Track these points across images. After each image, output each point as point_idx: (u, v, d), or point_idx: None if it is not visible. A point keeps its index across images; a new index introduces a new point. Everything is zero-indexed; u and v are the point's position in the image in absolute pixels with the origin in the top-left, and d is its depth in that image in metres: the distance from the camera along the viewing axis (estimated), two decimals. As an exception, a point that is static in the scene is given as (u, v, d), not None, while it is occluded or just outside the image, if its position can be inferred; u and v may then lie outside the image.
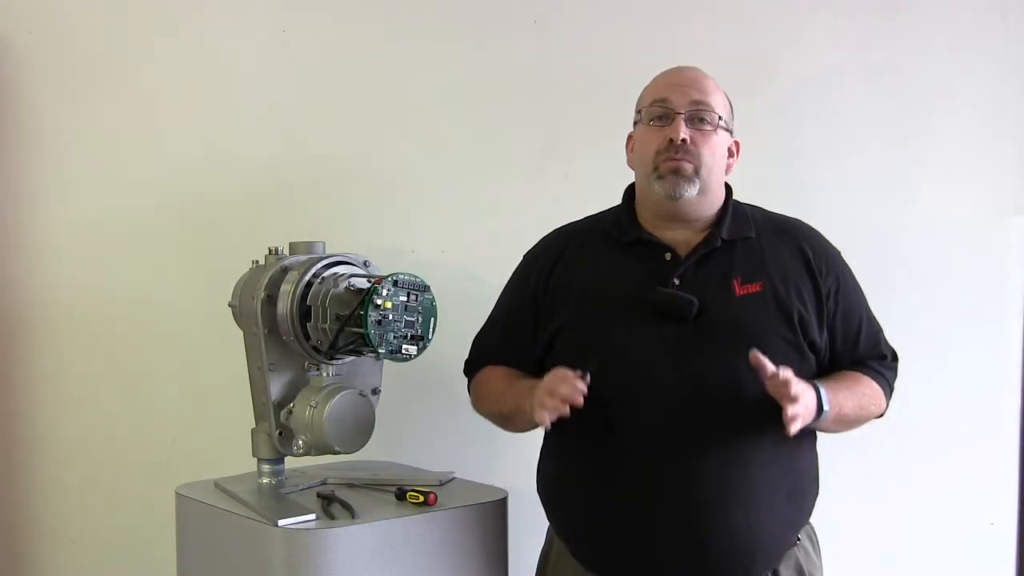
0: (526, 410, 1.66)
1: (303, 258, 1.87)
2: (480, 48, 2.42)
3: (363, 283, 1.79)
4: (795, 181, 2.40)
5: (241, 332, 1.94)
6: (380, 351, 1.74)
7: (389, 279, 1.75)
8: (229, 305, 1.98)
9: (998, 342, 2.44)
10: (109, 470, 2.42)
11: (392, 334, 1.75)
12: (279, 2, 2.44)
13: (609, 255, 1.81)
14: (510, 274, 1.94)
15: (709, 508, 1.65)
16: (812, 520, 1.80)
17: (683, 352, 1.69)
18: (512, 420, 1.79)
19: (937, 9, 2.42)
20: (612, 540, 1.71)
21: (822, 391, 1.64)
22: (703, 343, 1.69)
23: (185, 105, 2.40)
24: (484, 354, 1.92)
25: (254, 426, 1.93)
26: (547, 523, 1.87)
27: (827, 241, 1.83)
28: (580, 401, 1.62)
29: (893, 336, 1.85)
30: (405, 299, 1.77)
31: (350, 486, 1.95)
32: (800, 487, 1.74)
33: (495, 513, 1.88)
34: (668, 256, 1.76)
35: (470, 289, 2.26)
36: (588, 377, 1.63)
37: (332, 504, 1.79)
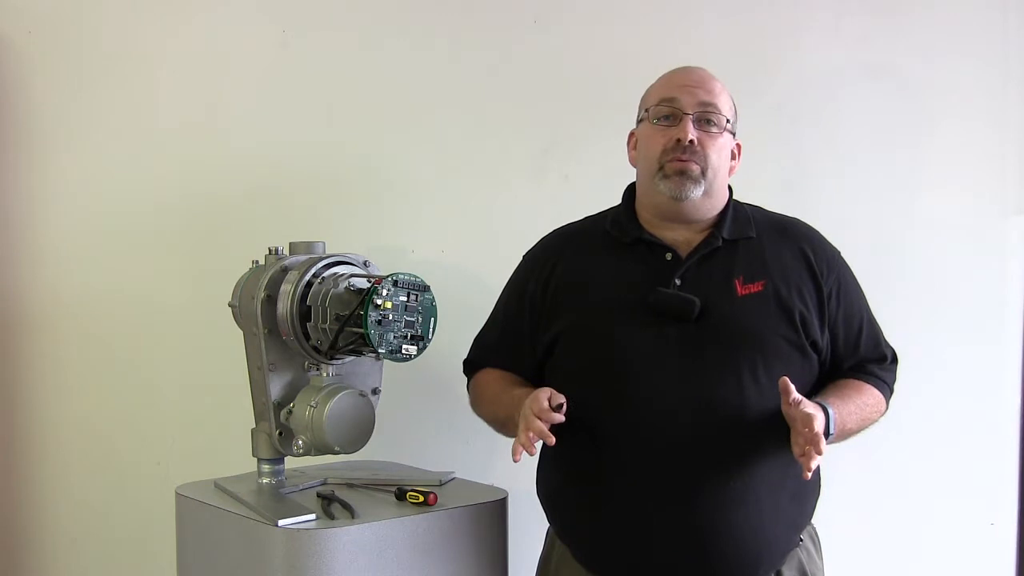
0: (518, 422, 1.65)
1: (303, 258, 1.87)
2: (480, 48, 2.42)
3: (363, 283, 1.79)
4: (795, 181, 2.40)
5: (241, 332, 1.94)
6: (380, 351, 1.74)
7: (389, 279, 1.75)
8: (229, 305, 1.98)
9: (998, 342, 2.44)
10: (109, 470, 2.41)
11: (392, 334, 1.75)
12: (279, 2, 2.44)
13: (609, 256, 1.80)
14: (510, 274, 1.94)
15: (712, 511, 1.65)
16: (813, 520, 1.80)
17: (685, 353, 1.69)
18: (506, 427, 1.79)
19: (937, 9, 2.42)
20: (615, 543, 1.71)
21: (831, 416, 1.63)
22: (705, 343, 1.69)
23: (185, 105, 2.40)
24: (482, 354, 1.93)
25: (254, 426, 1.93)
26: (547, 523, 1.87)
27: (827, 241, 1.83)
28: (553, 426, 1.60)
29: (893, 336, 1.85)
30: (405, 299, 1.77)
31: (350, 486, 1.95)
32: (802, 488, 1.73)
33: (495, 513, 1.88)
34: (669, 256, 1.75)
35: (470, 289, 2.26)
36: (564, 407, 1.61)
37: (332, 504, 1.79)
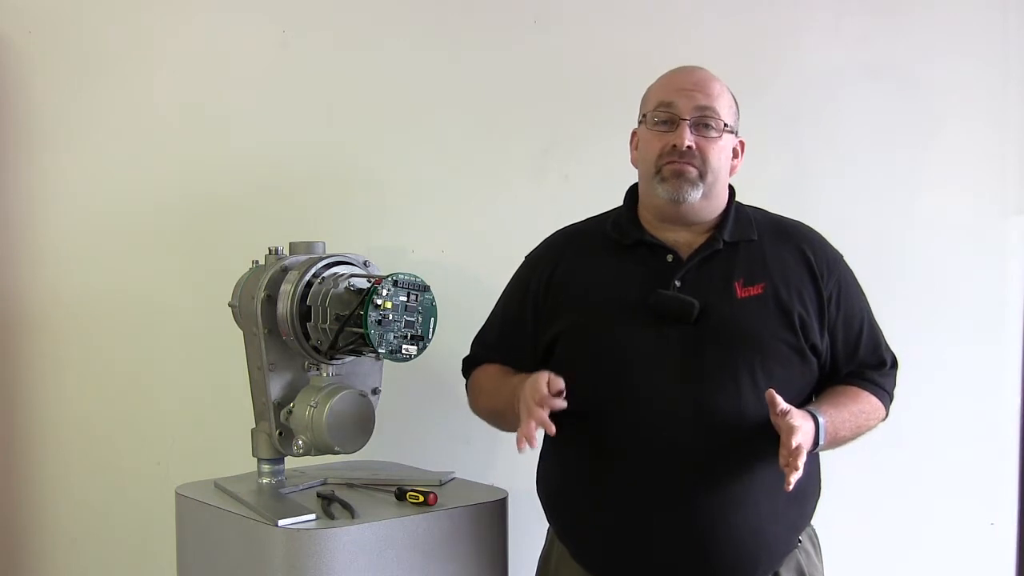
0: (518, 410, 1.65)
1: (303, 258, 1.87)
2: (480, 48, 2.42)
3: (363, 283, 1.79)
4: (795, 181, 2.40)
5: (241, 332, 1.94)
6: (380, 351, 1.74)
7: (389, 279, 1.75)
8: (229, 305, 1.98)
9: (998, 342, 2.44)
10: (109, 470, 2.41)
11: (392, 334, 1.75)
12: (279, 2, 2.44)
13: (610, 257, 1.80)
14: (510, 274, 1.94)
15: (710, 512, 1.65)
16: (813, 522, 1.80)
17: (685, 354, 1.68)
18: (504, 417, 1.78)
19: (937, 9, 2.42)
20: (613, 544, 1.71)
21: (821, 425, 1.63)
22: (704, 345, 1.68)
23: (185, 105, 2.40)
24: (481, 353, 1.93)
25: (254, 426, 1.93)
26: (547, 523, 1.87)
27: (829, 244, 1.83)
28: (553, 412, 1.60)
29: (893, 336, 1.84)
30: (405, 299, 1.77)
31: (350, 486, 1.95)
32: (802, 490, 1.71)
33: (495, 513, 1.88)
34: (670, 258, 1.75)
35: (470, 289, 2.26)
36: (564, 392, 1.61)
37: (332, 504, 1.79)
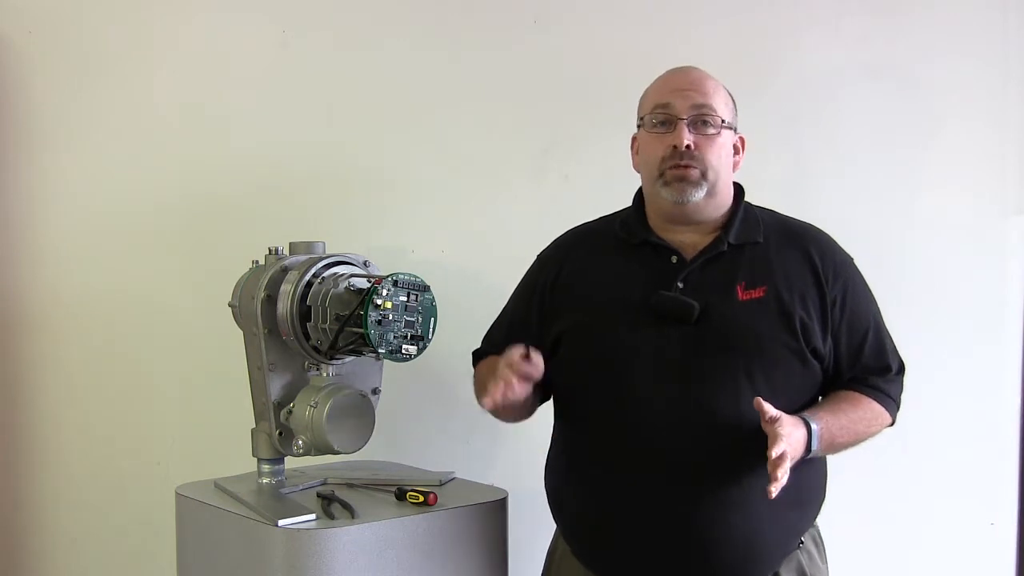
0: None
1: (303, 258, 1.87)
2: (480, 48, 2.42)
3: (363, 283, 1.79)
4: (795, 181, 2.40)
5: (241, 332, 1.94)
6: (380, 351, 1.74)
7: (389, 279, 1.75)
8: (229, 305, 1.98)
9: (998, 342, 2.44)
10: (109, 470, 2.41)
11: (392, 334, 1.75)
12: (279, 2, 2.44)
13: (616, 257, 1.81)
14: (510, 274, 1.94)
15: (708, 513, 1.65)
16: (818, 522, 1.81)
17: (685, 356, 1.68)
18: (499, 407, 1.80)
19: (937, 9, 2.42)
20: (612, 543, 1.71)
21: (814, 431, 1.63)
22: (704, 347, 1.68)
23: (185, 105, 2.40)
24: (489, 349, 1.94)
25: (254, 426, 1.93)
26: (547, 522, 1.87)
27: (839, 248, 1.81)
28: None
29: (893, 336, 1.84)
30: (405, 299, 1.77)
31: (350, 486, 1.95)
32: (804, 492, 1.72)
33: (495, 513, 1.88)
34: (674, 259, 1.75)
35: (470, 289, 2.27)
36: (533, 355, 1.63)
37: (332, 504, 1.79)
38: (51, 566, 2.45)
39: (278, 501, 1.83)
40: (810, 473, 1.74)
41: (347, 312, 1.76)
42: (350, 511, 1.76)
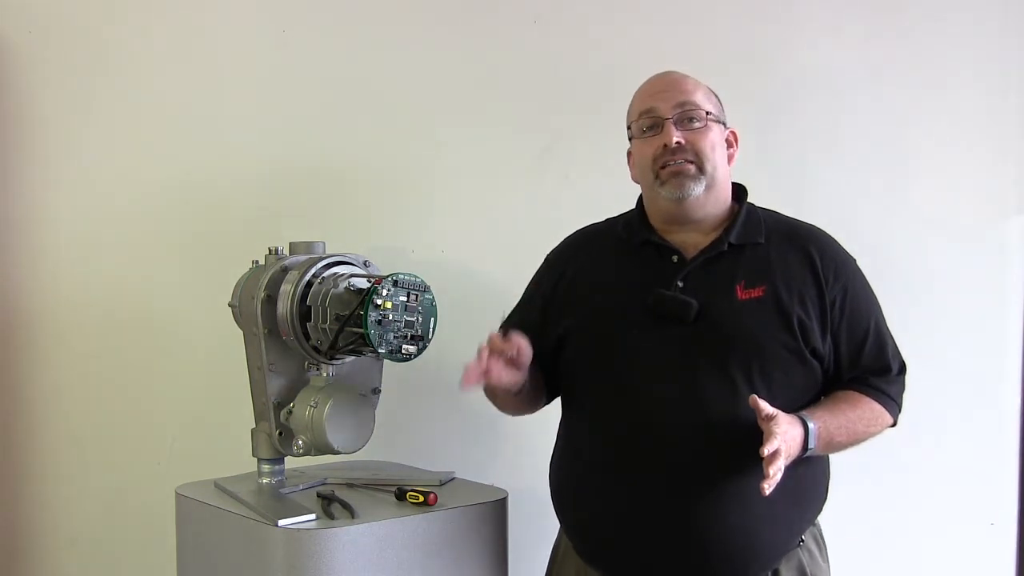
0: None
1: (303, 258, 1.87)
2: (480, 48, 2.42)
3: (363, 283, 1.79)
4: (794, 181, 2.40)
5: (241, 332, 1.94)
6: (380, 351, 1.74)
7: (389, 279, 1.75)
8: (229, 305, 1.98)
9: (998, 342, 2.44)
10: (109, 470, 2.41)
11: (392, 334, 1.75)
12: (279, 2, 2.44)
13: (619, 257, 1.82)
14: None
15: (707, 511, 1.66)
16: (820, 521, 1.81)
17: (684, 354, 1.69)
18: (495, 395, 1.83)
19: (937, 8, 2.42)
20: (612, 540, 1.72)
21: (811, 430, 1.63)
22: (703, 346, 1.69)
23: (185, 105, 2.40)
24: None
25: (254, 426, 1.93)
26: (547, 522, 1.87)
27: (840, 248, 1.81)
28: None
29: (893, 336, 1.84)
30: (405, 299, 1.77)
31: (350, 486, 1.95)
32: (803, 491, 1.73)
33: (495, 513, 1.88)
34: (675, 258, 1.76)
35: (470, 289, 2.27)
36: (513, 336, 1.65)
37: (332, 504, 1.79)
38: (51, 566, 2.45)
39: (278, 501, 1.83)
40: (810, 472, 1.74)
41: (347, 312, 1.76)
42: (350, 511, 1.76)
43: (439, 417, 2.36)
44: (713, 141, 1.75)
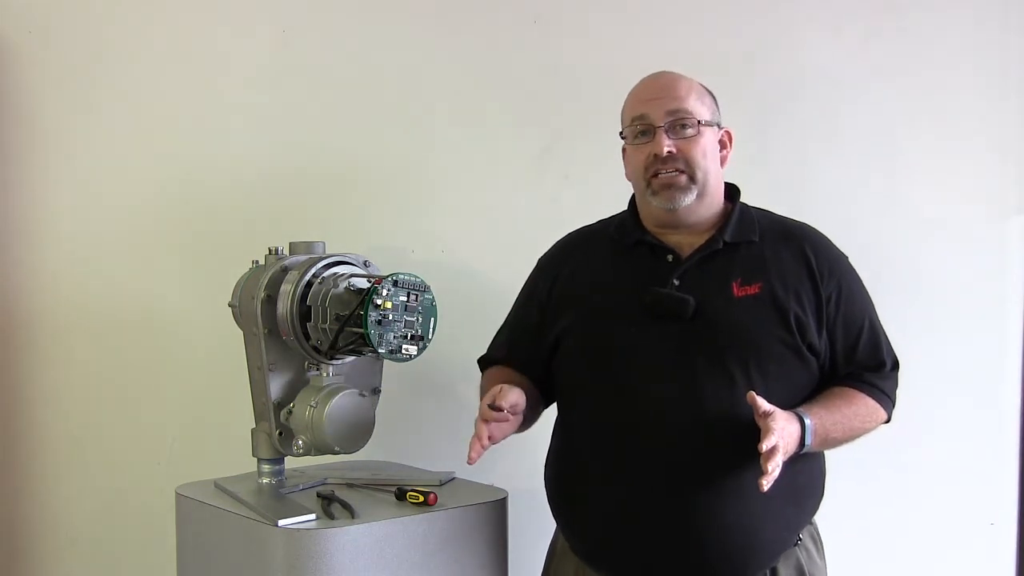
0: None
1: (303, 258, 1.87)
2: (480, 48, 2.42)
3: (363, 283, 1.79)
4: (794, 181, 2.40)
5: (241, 332, 1.94)
6: (380, 351, 1.74)
7: (389, 279, 1.75)
8: (229, 305, 1.98)
9: (998, 342, 2.44)
10: (109, 470, 2.41)
11: (392, 334, 1.75)
12: (279, 2, 2.44)
13: (613, 258, 1.82)
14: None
15: (704, 509, 1.66)
16: (816, 520, 1.81)
17: (681, 352, 1.70)
18: None
19: (937, 9, 2.42)
20: (608, 538, 1.72)
21: (808, 426, 1.64)
22: (700, 343, 1.69)
23: (185, 105, 2.40)
24: (493, 351, 1.96)
25: (254, 426, 1.93)
26: (546, 523, 1.87)
27: (832, 246, 1.83)
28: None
29: (893, 336, 1.84)
30: (405, 299, 1.77)
31: (350, 486, 1.95)
32: (801, 488, 1.74)
33: (495, 513, 1.88)
34: (670, 258, 1.77)
35: (470, 289, 2.27)
36: (500, 401, 1.66)
37: (332, 504, 1.79)
38: (51, 566, 2.45)
39: (278, 501, 1.83)
40: (807, 469, 1.75)
41: (347, 312, 1.76)
42: (350, 511, 1.76)
43: (439, 417, 2.36)
44: (705, 148, 1.75)
